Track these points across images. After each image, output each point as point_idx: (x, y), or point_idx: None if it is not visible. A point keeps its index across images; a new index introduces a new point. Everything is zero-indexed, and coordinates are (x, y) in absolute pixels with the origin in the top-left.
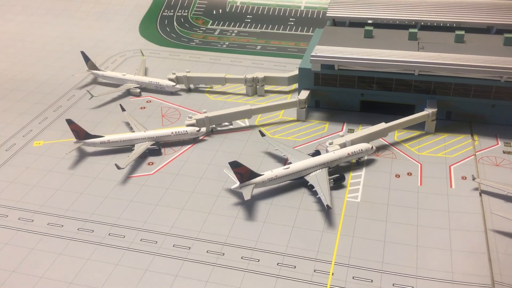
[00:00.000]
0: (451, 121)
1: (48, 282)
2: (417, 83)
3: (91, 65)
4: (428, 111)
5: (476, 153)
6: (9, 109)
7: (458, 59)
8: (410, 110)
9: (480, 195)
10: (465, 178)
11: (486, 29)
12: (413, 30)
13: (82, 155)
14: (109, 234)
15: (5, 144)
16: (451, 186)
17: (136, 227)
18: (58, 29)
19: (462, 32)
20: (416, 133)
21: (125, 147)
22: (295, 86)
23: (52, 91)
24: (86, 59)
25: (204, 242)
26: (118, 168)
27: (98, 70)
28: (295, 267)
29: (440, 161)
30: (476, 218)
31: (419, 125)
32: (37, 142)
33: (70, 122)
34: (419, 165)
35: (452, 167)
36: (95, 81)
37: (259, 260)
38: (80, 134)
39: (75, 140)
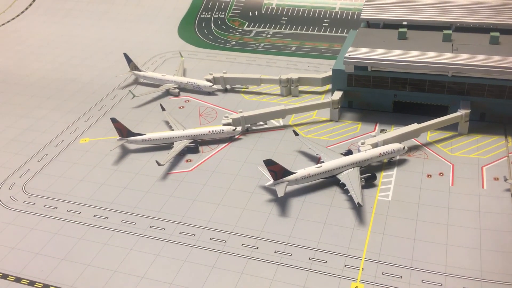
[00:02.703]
0: (485, 122)
1: (94, 269)
2: (450, 84)
3: (133, 66)
4: (461, 112)
5: (509, 154)
6: (57, 108)
7: (492, 60)
8: (443, 111)
9: None
10: (497, 179)
11: None
12: (447, 31)
13: (125, 152)
14: (150, 227)
15: (54, 141)
16: (483, 187)
17: (175, 221)
18: (102, 31)
19: (497, 34)
20: (449, 134)
21: (165, 145)
22: (329, 87)
23: (97, 91)
24: (129, 60)
25: (239, 236)
26: (159, 164)
27: (140, 71)
28: (326, 262)
29: (472, 162)
30: (507, 218)
31: (452, 126)
32: (83, 139)
33: (114, 120)
34: (451, 165)
35: (484, 168)
36: (136, 82)
37: (291, 254)
38: (123, 132)
39: (118, 137)
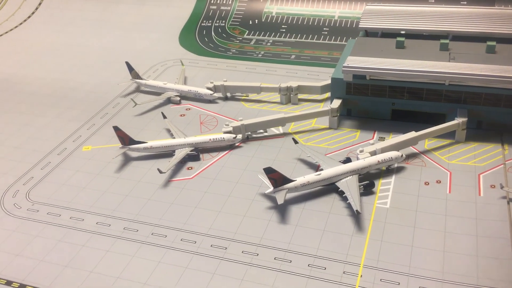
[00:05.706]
0: (482, 130)
1: (97, 276)
2: (447, 92)
3: (135, 75)
4: (458, 120)
5: (506, 162)
6: (60, 116)
7: (489, 69)
8: (440, 119)
9: (508, 203)
10: (494, 186)
11: None
12: (444, 40)
13: (127, 159)
14: (152, 234)
15: (57, 149)
16: (479, 194)
17: (176, 228)
18: (103, 39)
19: (494, 43)
20: (446, 141)
21: (166, 153)
22: (328, 95)
23: (99, 99)
24: (130, 68)
25: (239, 243)
26: (160, 172)
27: (141, 79)
28: (325, 268)
29: (469, 169)
30: (503, 226)
31: (449, 134)
32: (86, 147)
33: (116, 129)
34: (449, 173)
35: (481, 175)
36: (138, 90)
37: (291, 261)
38: (125, 140)
39: (120, 145)
